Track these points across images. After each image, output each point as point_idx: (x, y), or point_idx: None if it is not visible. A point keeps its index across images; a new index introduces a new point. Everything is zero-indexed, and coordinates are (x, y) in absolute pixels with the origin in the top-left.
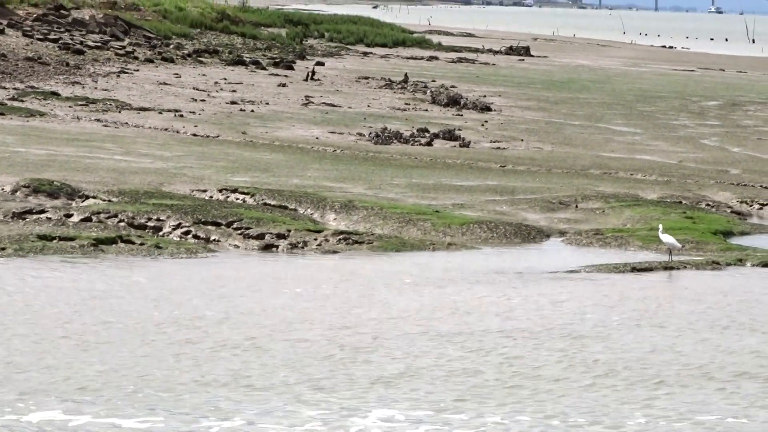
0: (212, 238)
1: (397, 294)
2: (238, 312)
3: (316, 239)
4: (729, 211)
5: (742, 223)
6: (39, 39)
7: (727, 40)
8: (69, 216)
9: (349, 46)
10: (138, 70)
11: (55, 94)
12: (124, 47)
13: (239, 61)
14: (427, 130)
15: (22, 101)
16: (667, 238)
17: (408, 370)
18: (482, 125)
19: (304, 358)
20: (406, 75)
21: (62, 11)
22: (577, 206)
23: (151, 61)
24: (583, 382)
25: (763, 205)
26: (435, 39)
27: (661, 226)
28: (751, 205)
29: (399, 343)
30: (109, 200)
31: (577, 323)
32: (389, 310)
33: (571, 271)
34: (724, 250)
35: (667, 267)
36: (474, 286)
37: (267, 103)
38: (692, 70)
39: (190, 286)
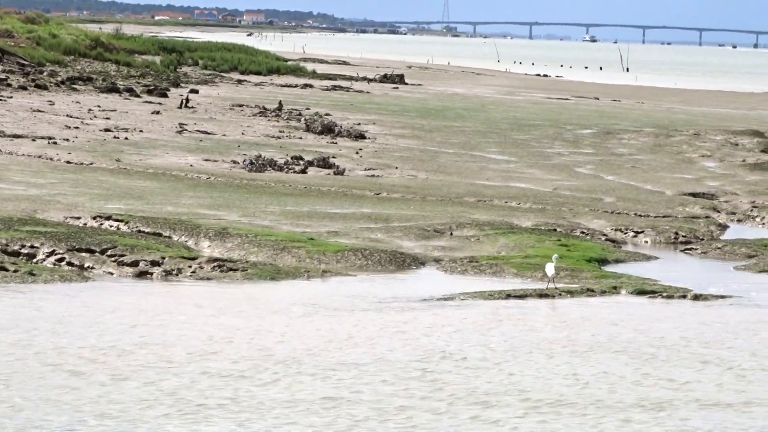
0: (86, 265)
1: (261, 322)
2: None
3: (190, 266)
4: (603, 238)
5: (617, 250)
6: None
7: (601, 68)
8: None
9: (223, 74)
10: (11, 97)
11: None
12: None
13: (113, 89)
14: (301, 158)
15: None
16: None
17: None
18: (357, 153)
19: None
20: (280, 103)
21: None
22: (452, 234)
23: (24, 88)
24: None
25: (637, 232)
26: (309, 66)
27: (555, 256)
28: (625, 233)
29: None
30: None
31: (443, 351)
32: (259, 338)
33: (445, 298)
34: (598, 277)
35: (542, 294)
36: (341, 313)
37: (141, 131)
38: (567, 99)
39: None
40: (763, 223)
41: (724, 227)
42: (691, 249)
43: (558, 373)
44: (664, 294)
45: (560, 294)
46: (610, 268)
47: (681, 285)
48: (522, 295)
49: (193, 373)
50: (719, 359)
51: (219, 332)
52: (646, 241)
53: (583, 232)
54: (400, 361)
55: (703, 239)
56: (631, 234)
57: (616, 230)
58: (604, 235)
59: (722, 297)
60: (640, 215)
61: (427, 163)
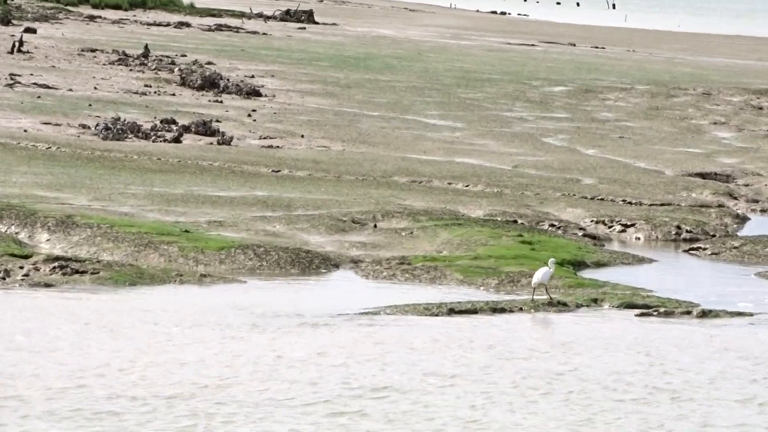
0: None
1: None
2: None
3: (22, 267)
4: (581, 234)
5: (598, 250)
6: None
7: (578, 4)
8: None
9: (69, 7)
10: None
11: None
12: None
13: None
14: (174, 122)
15: None
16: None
17: None
18: (249, 115)
19: None
20: (146, 47)
21: None
22: (376, 226)
23: None
24: None
25: (626, 226)
26: None
27: (552, 260)
28: (610, 227)
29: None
30: None
31: (356, 390)
32: (89, 377)
33: (365, 314)
34: (573, 286)
35: (496, 309)
36: (222, 335)
37: None
38: (532, 45)
39: None
40: None
41: (742, 219)
42: (698, 249)
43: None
44: (661, 309)
45: (520, 309)
46: (589, 274)
47: (684, 297)
48: (470, 310)
49: None
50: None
51: (27, 366)
52: (638, 238)
53: (553, 225)
54: (294, 406)
55: (714, 236)
56: (618, 228)
57: (597, 223)
58: (582, 229)
59: (740, 314)
60: (631, 203)
61: (344, 130)
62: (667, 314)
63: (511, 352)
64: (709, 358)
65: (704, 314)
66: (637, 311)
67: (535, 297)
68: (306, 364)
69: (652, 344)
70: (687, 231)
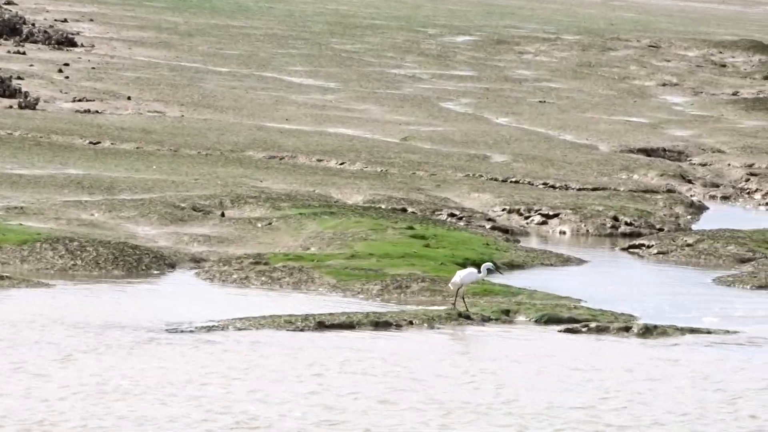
0: None
1: None
2: None
3: None
4: (489, 226)
5: (512, 247)
6: None
7: None
8: None
9: None
10: None
11: None
12: None
13: None
14: None
15: None
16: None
17: None
18: (60, 71)
19: None
20: None
21: None
22: (223, 215)
23: None
24: None
25: (547, 217)
26: None
27: (488, 265)
28: (527, 217)
29: None
30: None
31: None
32: None
33: (207, 329)
34: (480, 294)
35: (379, 323)
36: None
37: None
38: None
39: None
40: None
41: (698, 209)
42: (640, 247)
43: None
44: (592, 324)
45: (409, 323)
46: (499, 278)
47: (622, 309)
48: (346, 324)
49: None
50: None
51: None
52: (563, 232)
53: (454, 215)
54: None
55: (661, 230)
56: (538, 219)
57: (511, 212)
58: (491, 220)
59: (694, 332)
60: (554, 187)
61: (183, 91)
62: (600, 330)
63: (392, 387)
64: (655, 391)
65: (647, 331)
66: (562, 327)
67: (457, 304)
68: (128, 396)
69: (578, 373)
70: (626, 224)
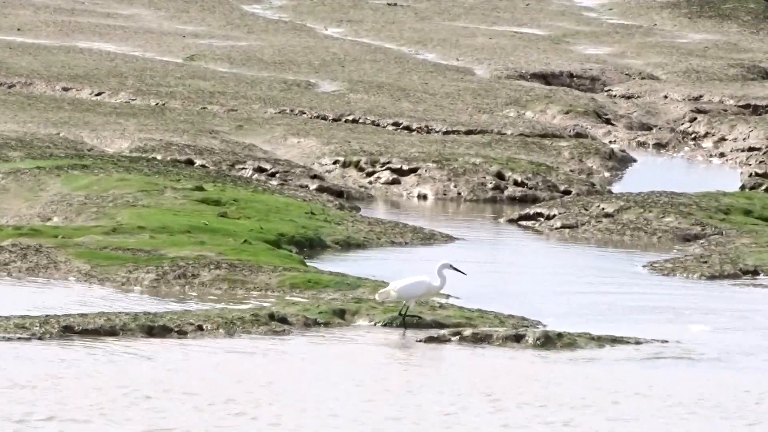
0: None
1: None
2: None
3: None
4: (315, 186)
5: (350, 218)
6: None
7: None
8: None
9: None
10: None
11: None
12: None
13: None
14: None
15: None
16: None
17: None
18: None
19: None
20: None
21: None
22: None
23: None
24: None
25: (399, 173)
26: None
27: (446, 264)
28: (370, 173)
29: None
30: None
31: None
32: None
33: None
34: (300, 286)
35: (153, 328)
36: None
37: None
38: None
39: None
40: (730, 155)
41: (622, 162)
42: (537, 218)
43: None
44: (467, 332)
45: (198, 328)
46: (330, 263)
47: (512, 310)
48: (106, 330)
49: None
50: None
51: None
52: (424, 196)
53: (263, 170)
54: None
55: (567, 192)
56: (387, 176)
57: (346, 166)
58: (318, 177)
59: (616, 342)
60: (410, 128)
61: None
62: (479, 340)
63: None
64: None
65: (548, 340)
66: (421, 335)
67: (404, 312)
68: None
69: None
70: (516, 183)
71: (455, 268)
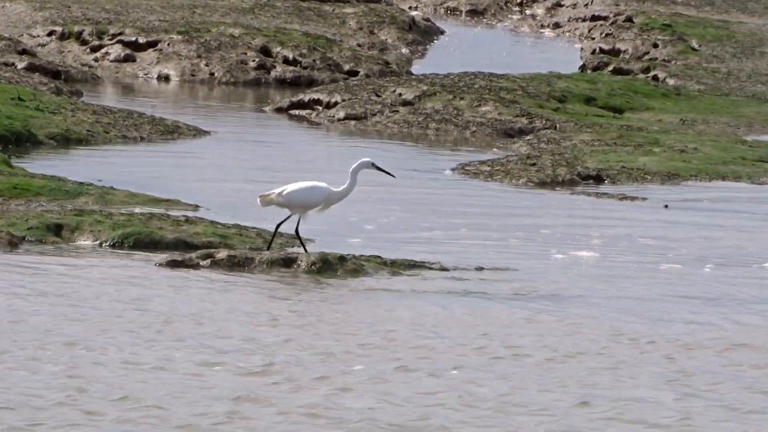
0: None
1: None
2: None
3: None
4: (24, 64)
5: (68, 105)
6: None
7: None
8: None
9: None
10: None
11: None
12: None
13: None
14: None
15: None
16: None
17: None
18: None
19: None
20: None
21: None
22: None
23: None
24: None
25: (134, 47)
26: None
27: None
28: (97, 48)
29: None
30: None
31: None
32: None
33: None
34: (8, 194)
35: None
36: None
37: None
38: None
39: None
40: (567, 25)
41: (425, 35)
42: (315, 105)
43: None
44: (221, 255)
45: None
46: (28, 163)
47: (260, 224)
48: None
49: None
50: None
51: None
52: (166, 77)
53: None
54: None
55: (354, 73)
56: (118, 51)
57: (65, 38)
58: (27, 53)
59: (415, 267)
60: None
61: None
62: (238, 264)
63: None
64: None
65: (327, 265)
66: (162, 257)
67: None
68: None
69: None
70: (287, 62)
71: (380, 168)
